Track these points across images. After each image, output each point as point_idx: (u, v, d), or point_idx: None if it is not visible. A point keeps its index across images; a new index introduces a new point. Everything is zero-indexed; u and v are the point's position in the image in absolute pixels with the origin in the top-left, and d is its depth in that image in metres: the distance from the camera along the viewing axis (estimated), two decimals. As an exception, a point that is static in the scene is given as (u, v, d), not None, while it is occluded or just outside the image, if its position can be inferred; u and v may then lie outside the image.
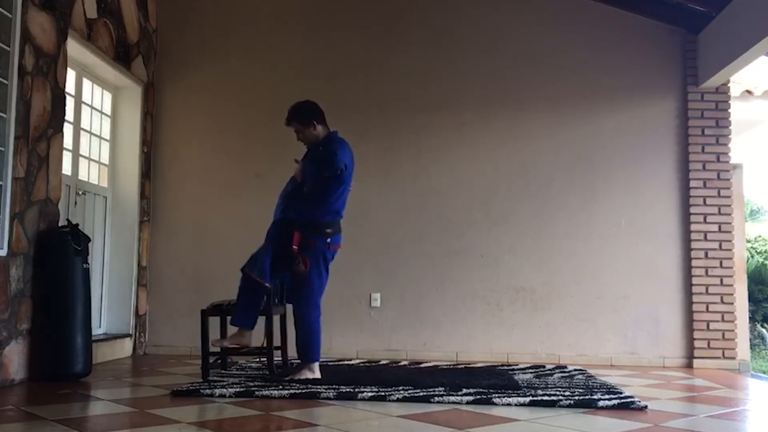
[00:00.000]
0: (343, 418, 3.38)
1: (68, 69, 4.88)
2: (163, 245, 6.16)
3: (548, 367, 5.40)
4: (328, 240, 4.37)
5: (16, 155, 4.20)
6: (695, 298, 5.77)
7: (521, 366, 5.42)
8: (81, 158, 5.45)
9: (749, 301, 7.36)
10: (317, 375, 4.37)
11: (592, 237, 5.92)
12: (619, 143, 5.97)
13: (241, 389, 3.94)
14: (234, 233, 6.05)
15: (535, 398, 3.80)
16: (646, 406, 3.68)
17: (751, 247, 11.42)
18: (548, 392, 4.01)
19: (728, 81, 5.87)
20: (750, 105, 7.53)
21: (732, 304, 5.76)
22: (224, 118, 6.23)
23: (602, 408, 3.64)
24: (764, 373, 7.46)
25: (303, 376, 4.32)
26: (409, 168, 6.06)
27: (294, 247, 4.29)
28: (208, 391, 3.90)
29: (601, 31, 6.06)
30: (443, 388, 4.05)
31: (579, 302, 5.87)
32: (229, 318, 4.77)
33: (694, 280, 5.78)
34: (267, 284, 4.31)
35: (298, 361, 4.49)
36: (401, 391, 3.94)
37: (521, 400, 3.75)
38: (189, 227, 6.16)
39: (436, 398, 3.77)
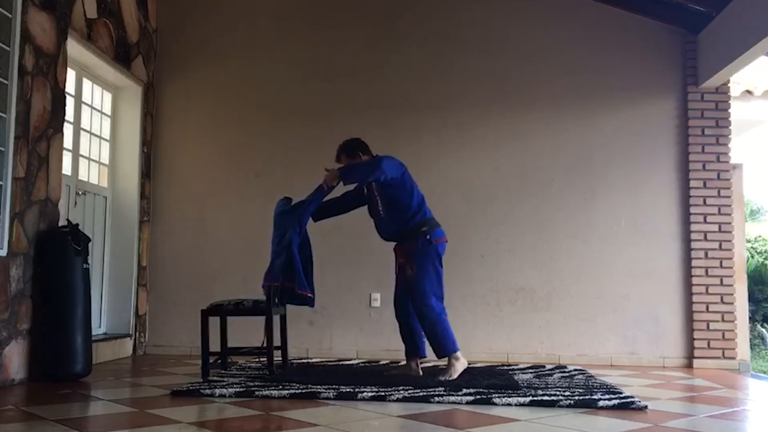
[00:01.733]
0: (343, 418, 3.38)
1: (68, 69, 4.88)
2: (163, 245, 6.16)
3: (548, 367, 5.40)
4: (428, 236, 4.46)
5: (16, 155, 4.20)
6: (695, 298, 5.77)
7: (521, 366, 5.42)
8: (81, 158, 5.45)
9: (749, 301, 7.36)
10: (463, 362, 4.41)
11: (592, 237, 5.92)
12: (619, 143, 5.97)
13: (241, 389, 3.94)
14: (234, 233, 6.05)
15: (535, 398, 3.80)
16: (646, 406, 3.68)
17: (751, 247, 11.42)
18: (548, 392, 4.01)
19: (728, 81, 5.87)
20: (750, 105, 7.54)
21: (732, 304, 5.76)
22: (224, 118, 6.23)
23: (602, 408, 3.64)
24: (764, 373, 7.47)
25: (455, 373, 4.35)
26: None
27: (400, 260, 4.56)
28: (208, 391, 3.89)
29: (601, 31, 6.06)
30: (443, 388, 4.05)
31: (579, 302, 5.87)
32: (228, 318, 4.79)
33: (694, 280, 5.78)
34: (310, 294, 4.45)
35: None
36: (401, 391, 3.94)
37: (521, 400, 3.75)
38: (189, 227, 6.16)
39: (436, 398, 3.77)
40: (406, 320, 4.61)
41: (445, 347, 4.40)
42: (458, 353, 4.42)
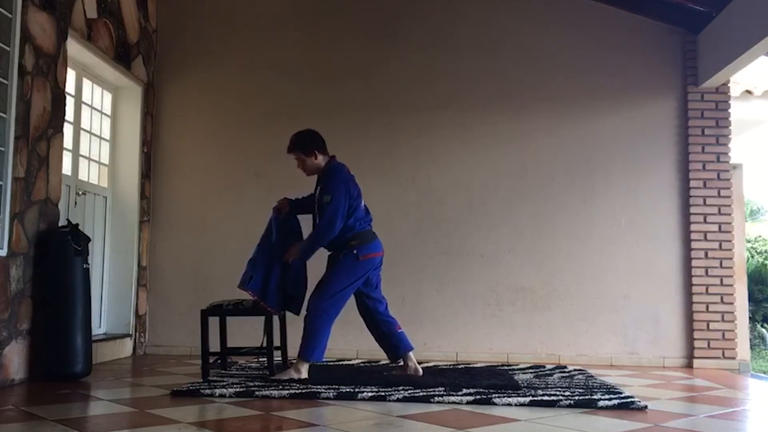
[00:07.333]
0: (343, 418, 3.38)
1: (68, 69, 4.88)
2: (163, 245, 6.16)
3: (548, 367, 5.40)
4: (355, 251, 4.38)
5: (16, 155, 4.20)
6: (695, 298, 5.77)
7: (521, 366, 5.42)
8: (81, 158, 5.45)
9: (749, 301, 7.36)
10: (303, 375, 4.29)
11: (592, 237, 5.92)
12: (619, 143, 5.98)
13: (241, 389, 3.94)
14: (234, 233, 6.05)
15: (535, 398, 3.80)
16: (646, 406, 3.68)
17: (751, 247, 11.43)
18: (548, 392, 4.01)
19: (728, 81, 5.88)
20: (750, 105, 7.55)
21: (732, 304, 5.76)
22: (224, 118, 6.23)
23: (602, 408, 3.64)
24: (764, 373, 7.47)
25: (286, 377, 4.27)
26: (408, 168, 6.06)
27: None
28: (208, 391, 3.90)
29: (601, 31, 6.06)
30: (443, 388, 4.05)
31: (579, 302, 5.87)
32: (228, 318, 4.78)
33: (694, 280, 5.78)
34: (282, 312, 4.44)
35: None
36: (401, 391, 3.94)
37: (521, 400, 3.75)
38: (189, 227, 6.16)
39: (436, 398, 3.77)
40: (374, 328, 4.60)
41: (307, 351, 4.30)
42: (308, 366, 4.32)
